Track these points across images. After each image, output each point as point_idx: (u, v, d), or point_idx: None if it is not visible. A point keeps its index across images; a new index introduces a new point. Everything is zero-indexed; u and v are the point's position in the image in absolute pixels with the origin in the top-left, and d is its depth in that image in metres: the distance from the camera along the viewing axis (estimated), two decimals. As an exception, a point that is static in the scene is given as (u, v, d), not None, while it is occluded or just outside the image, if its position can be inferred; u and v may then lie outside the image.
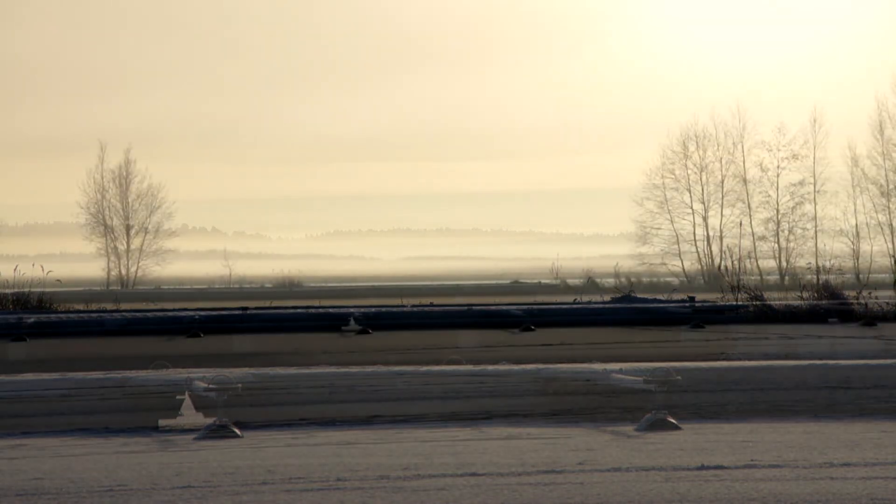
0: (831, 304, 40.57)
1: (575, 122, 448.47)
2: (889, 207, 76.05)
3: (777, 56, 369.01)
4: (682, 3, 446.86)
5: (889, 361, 22.86)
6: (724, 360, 23.69)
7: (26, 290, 45.06)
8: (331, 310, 40.26)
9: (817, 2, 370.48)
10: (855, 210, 76.91)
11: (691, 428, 13.21)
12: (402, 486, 9.55)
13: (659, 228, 79.20)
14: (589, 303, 44.60)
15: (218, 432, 13.20)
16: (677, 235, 79.05)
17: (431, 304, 44.96)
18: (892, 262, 75.57)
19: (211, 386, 13.94)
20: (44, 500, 9.20)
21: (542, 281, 75.77)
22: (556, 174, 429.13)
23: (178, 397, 14.78)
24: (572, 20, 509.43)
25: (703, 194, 79.41)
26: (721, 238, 79.09)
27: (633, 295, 46.71)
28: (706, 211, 79.27)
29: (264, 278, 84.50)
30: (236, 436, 13.10)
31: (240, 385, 14.44)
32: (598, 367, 16.33)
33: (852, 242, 76.71)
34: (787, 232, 78.01)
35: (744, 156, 79.40)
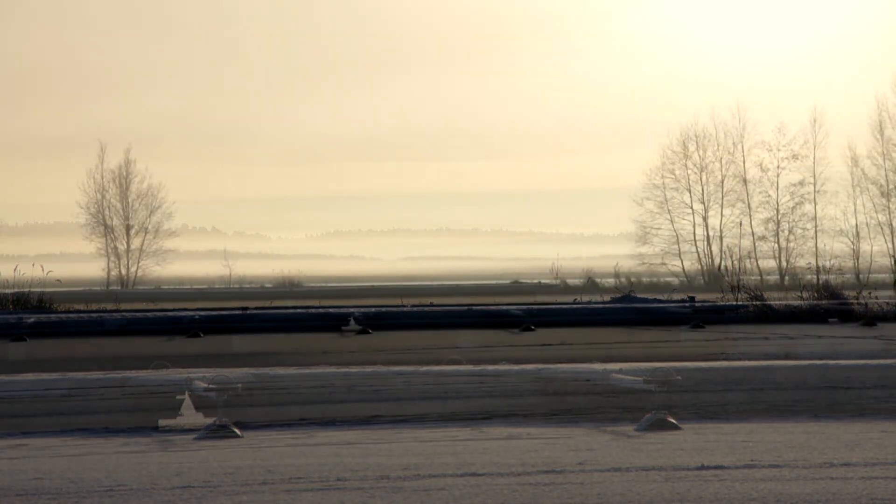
0: (831, 304, 40.57)
1: (575, 122, 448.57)
2: (889, 207, 76.04)
3: (777, 56, 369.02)
4: (683, 3, 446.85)
5: (889, 361, 22.85)
6: (724, 360, 23.70)
7: (26, 290, 45.06)
8: (331, 310, 40.26)
9: (817, 2, 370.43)
10: (855, 210, 76.94)
11: (691, 428, 13.21)
12: (402, 486, 9.55)
13: (659, 228, 79.23)
14: (589, 303, 44.60)
15: (218, 432, 13.20)
16: (677, 235, 79.07)
17: (431, 304, 44.97)
18: (892, 262, 75.56)
19: (211, 386, 13.94)
20: (44, 500, 9.20)
21: (542, 281, 75.76)
22: (556, 174, 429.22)
23: (178, 397, 14.78)
24: (572, 20, 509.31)
25: (703, 194, 79.43)
26: (721, 238, 79.12)
27: (633, 295, 46.70)
28: (706, 211, 79.29)
29: (264, 278, 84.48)
30: (236, 436, 13.10)
31: (240, 385, 14.44)
32: (598, 367, 16.33)
33: (852, 242, 76.71)
34: (787, 232, 78.02)
35: (744, 156, 79.43)
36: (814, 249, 76.98)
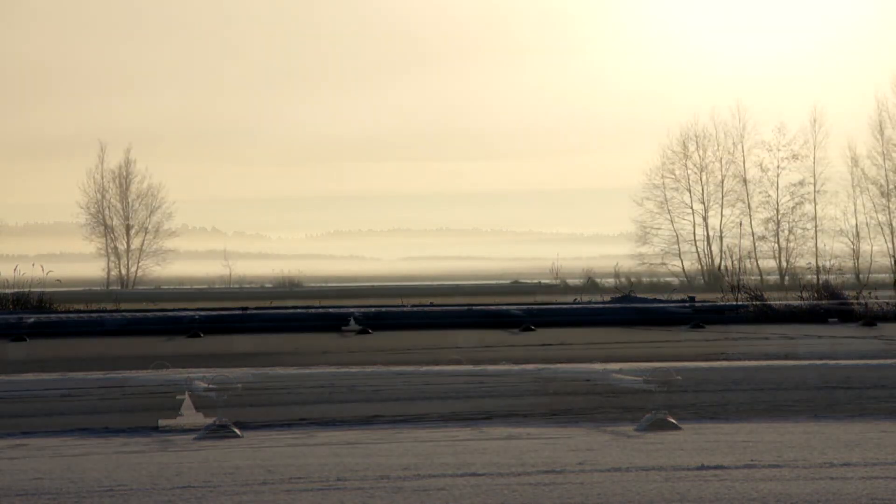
0: (831, 304, 40.57)
1: (575, 122, 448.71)
2: (889, 207, 76.03)
3: (777, 56, 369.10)
4: (683, 3, 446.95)
5: (889, 361, 22.86)
6: (724, 360, 23.70)
7: (26, 290, 45.06)
8: (331, 310, 40.28)
9: (818, 2, 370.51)
10: (855, 210, 76.92)
11: (691, 428, 13.21)
12: (402, 486, 9.55)
13: (659, 228, 79.21)
14: (589, 303, 44.60)
15: (218, 432, 13.20)
16: (677, 235, 79.06)
17: (431, 304, 44.97)
18: (892, 262, 75.56)
19: (211, 386, 13.94)
20: (44, 500, 9.21)
21: (542, 281, 75.75)
22: (556, 174, 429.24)
23: (178, 397, 14.78)
24: (572, 20, 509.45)
25: (703, 194, 79.43)
26: (721, 238, 79.11)
27: (633, 295, 46.70)
28: (706, 211, 79.28)
29: (264, 278, 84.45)
30: (236, 436, 13.10)
31: (240, 385, 14.45)
32: (598, 367, 16.34)
33: (852, 242, 76.69)
34: (787, 232, 78.01)
35: (744, 156, 79.42)
36: (814, 249, 76.99)
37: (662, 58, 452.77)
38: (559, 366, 22.15)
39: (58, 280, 51.30)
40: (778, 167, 78.36)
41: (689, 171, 79.36)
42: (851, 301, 41.12)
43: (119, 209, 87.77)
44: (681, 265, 78.87)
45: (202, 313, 38.44)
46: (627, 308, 40.44)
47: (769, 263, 78.49)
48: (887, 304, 40.52)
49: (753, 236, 78.48)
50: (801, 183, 77.83)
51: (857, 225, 76.67)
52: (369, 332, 35.21)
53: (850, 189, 76.73)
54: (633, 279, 64.61)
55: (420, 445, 12.07)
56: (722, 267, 77.27)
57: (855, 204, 76.66)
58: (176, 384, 14.96)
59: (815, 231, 77.22)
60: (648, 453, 11.21)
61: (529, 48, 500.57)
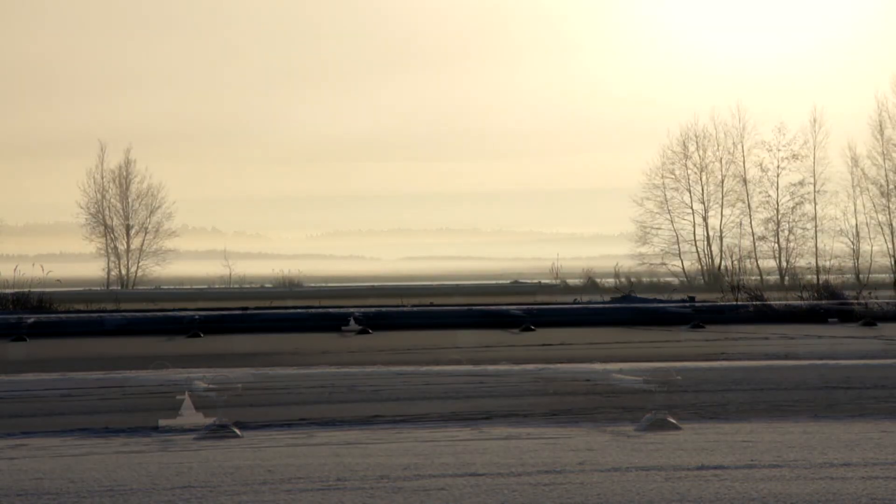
0: (831, 304, 40.57)
1: (575, 122, 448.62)
2: (889, 207, 76.01)
3: (777, 56, 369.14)
4: (683, 3, 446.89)
5: (889, 361, 22.88)
6: (724, 360, 23.70)
7: (26, 290, 45.08)
8: (331, 310, 40.29)
9: (818, 2, 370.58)
10: (855, 210, 76.88)
11: (691, 428, 13.21)
12: (402, 486, 9.55)
13: (659, 228, 79.17)
14: (589, 303, 44.61)
15: (218, 432, 13.20)
16: (677, 235, 79.04)
17: (431, 304, 44.98)
18: (892, 262, 75.54)
19: (211, 386, 13.95)
20: (44, 500, 9.21)
21: (542, 281, 75.72)
22: (556, 174, 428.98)
23: (178, 397, 14.78)
24: (572, 20, 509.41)
25: (703, 194, 79.42)
26: (721, 238, 79.07)
27: (633, 295, 46.72)
28: (706, 211, 79.26)
29: (264, 278, 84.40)
30: (236, 436, 13.10)
31: (240, 385, 14.46)
32: (598, 367, 16.37)
33: (852, 242, 76.67)
34: (787, 232, 77.96)
35: (744, 156, 79.38)
36: (814, 249, 76.96)
37: (662, 58, 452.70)
38: (559, 366, 22.17)
39: (58, 280, 51.33)
40: (778, 167, 78.37)
41: (689, 171, 79.38)
42: (851, 301, 41.12)
43: (119, 209, 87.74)
44: (681, 265, 78.87)
45: (202, 313, 38.46)
46: (627, 308, 40.45)
47: (769, 263, 78.47)
48: (887, 304, 40.55)
49: (753, 236, 78.48)
50: (801, 183, 77.84)
51: (857, 225, 76.68)
52: (369, 332, 35.22)
53: (850, 189, 76.73)
54: (633, 279, 64.57)
55: (420, 445, 12.07)
56: (722, 267, 77.31)
57: (855, 204, 76.67)
58: (176, 384, 14.96)
59: (815, 231, 77.21)
60: (648, 453, 11.21)
61: (529, 48, 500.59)
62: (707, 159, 79.82)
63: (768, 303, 41.39)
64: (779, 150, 78.67)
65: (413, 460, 10.93)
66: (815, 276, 70.10)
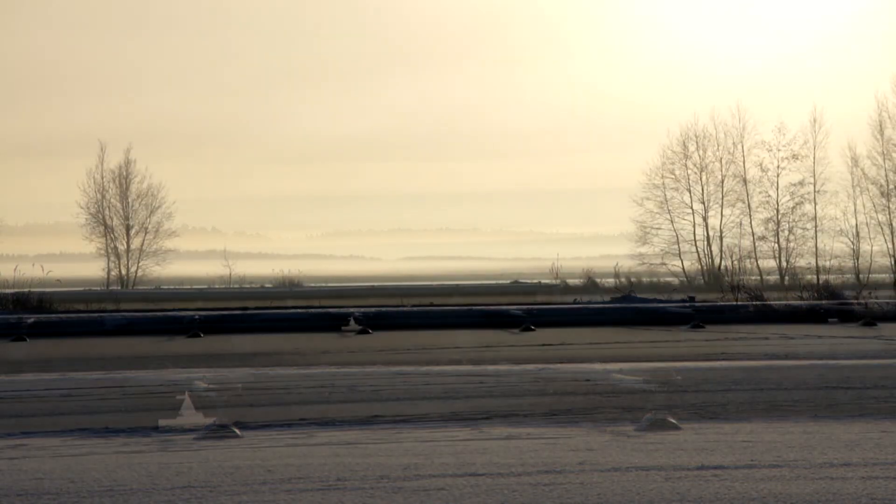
0: (831, 304, 40.57)
1: (575, 122, 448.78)
2: (889, 207, 75.97)
3: (777, 56, 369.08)
4: (683, 3, 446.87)
5: (889, 361, 22.87)
6: (724, 360, 23.71)
7: (26, 290, 45.08)
8: (331, 310, 40.29)
9: (818, 2, 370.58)
10: (855, 210, 76.82)
11: (691, 428, 13.20)
12: (402, 486, 9.55)
13: (659, 228, 79.10)
14: (589, 303, 44.60)
15: (218, 432, 13.20)
16: (677, 235, 78.97)
17: (431, 304, 44.97)
18: (892, 262, 75.51)
19: (211, 386, 13.96)
20: (44, 500, 9.20)
21: (542, 281, 75.67)
22: (556, 174, 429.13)
23: (178, 397, 14.79)
24: (572, 20, 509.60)
25: (703, 194, 79.37)
26: (721, 238, 79.01)
27: (633, 295, 46.70)
28: (706, 211, 79.21)
29: (264, 278, 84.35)
30: (236, 436, 13.10)
31: (240, 385, 14.47)
32: (598, 367, 16.37)
33: (852, 242, 76.63)
34: (787, 232, 77.90)
35: (744, 156, 79.30)
36: (814, 249, 76.91)
37: (663, 58, 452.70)
38: (559, 366, 22.17)
39: (58, 280, 51.33)
40: (778, 167, 78.32)
41: (689, 171, 79.32)
42: (851, 301, 41.11)
43: (119, 209, 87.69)
44: (681, 265, 78.83)
45: (202, 313, 38.45)
46: (627, 308, 40.44)
47: (769, 263, 78.40)
48: (887, 304, 40.53)
49: (753, 236, 78.44)
50: (801, 183, 77.78)
51: (857, 225, 76.63)
52: (369, 332, 35.22)
53: (850, 189, 76.67)
54: (633, 279, 64.51)
55: (420, 445, 12.07)
56: (722, 267, 77.25)
57: (855, 204, 76.62)
58: (176, 384, 14.98)
59: (815, 231, 77.14)
60: (648, 453, 11.20)
61: (529, 48, 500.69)
62: (707, 159, 79.79)
63: (768, 303, 41.38)
64: (779, 150, 78.64)
65: (413, 460, 10.92)
66: (815, 276, 70.08)
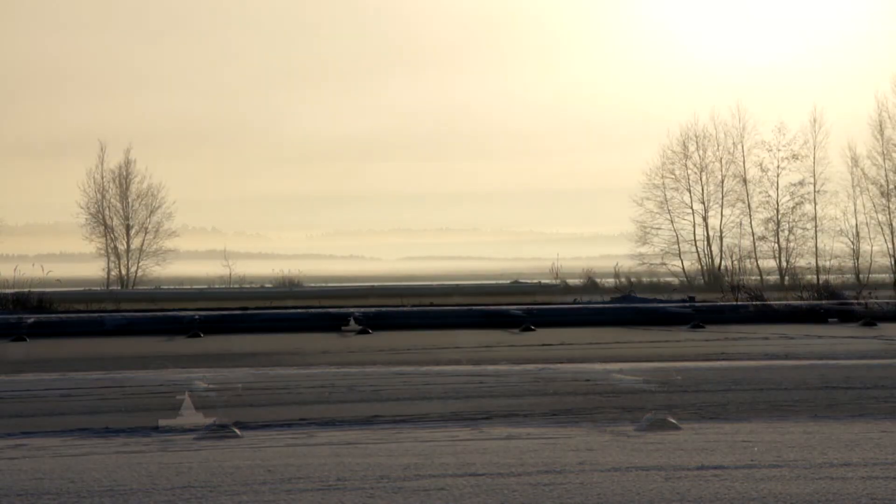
0: (831, 304, 40.57)
1: (575, 122, 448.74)
2: (889, 207, 75.97)
3: (777, 56, 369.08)
4: (683, 3, 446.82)
5: (889, 361, 22.88)
6: (724, 360, 23.71)
7: (26, 290, 45.08)
8: (331, 310, 40.29)
9: (818, 2, 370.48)
10: (855, 210, 76.83)
11: (691, 428, 13.20)
12: (402, 486, 9.55)
13: (659, 228, 79.10)
14: (589, 303, 44.60)
15: (218, 432, 13.20)
16: (677, 235, 78.96)
17: (431, 304, 44.97)
18: (892, 262, 75.51)
19: (211, 386, 13.96)
20: (44, 500, 9.20)
21: (542, 281, 75.68)
22: (556, 174, 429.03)
23: (178, 397, 14.79)
24: (572, 20, 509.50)
25: (703, 194, 79.37)
26: (721, 238, 79.02)
27: (633, 295, 46.71)
28: (706, 211, 79.21)
29: (264, 278, 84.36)
30: (236, 436, 13.10)
31: (240, 385, 14.47)
32: (598, 367, 16.37)
33: (852, 242, 76.63)
34: (787, 232, 77.90)
35: (744, 156, 79.31)
36: (814, 249, 76.92)
37: (663, 58, 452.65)
38: (559, 366, 22.17)
39: (58, 280, 51.33)
40: (778, 167, 78.32)
41: (689, 171, 79.32)
42: (851, 301, 41.11)
43: (119, 209, 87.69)
44: (681, 265, 78.83)
45: (202, 313, 38.45)
46: (627, 308, 40.44)
47: (769, 263, 78.40)
48: (887, 304, 40.53)
49: (753, 236, 78.44)
50: (801, 183, 77.78)
51: (857, 225, 76.63)
52: (369, 332, 35.22)
53: (850, 189, 76.69)
54: (633, 279, 64.56)
55: (420, 445, 12.07)
56: (722, 267, 77.23)
57: (855, 204, 76.63)
58: (176, 384, 14.98)
59: (815, 231, 77.15)
60: (648, 453, 11.20)
61: (530, 48, 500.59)
62: (707, 159, 79.78)
63: (768, 303, 41.39)
64: (779, 150, 78.64)
65: (413, 460, 10.92)
66: (815, 276, 70.09)
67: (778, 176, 78.72)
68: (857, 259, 76.52)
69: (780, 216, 78.23)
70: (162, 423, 14.16)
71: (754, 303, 41.12)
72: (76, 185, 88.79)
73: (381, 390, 18.09)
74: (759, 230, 78.53)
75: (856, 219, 76.84)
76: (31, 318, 37.05)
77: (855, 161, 76.76)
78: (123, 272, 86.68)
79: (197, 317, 36.95)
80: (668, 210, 79.13)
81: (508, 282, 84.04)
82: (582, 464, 10.56)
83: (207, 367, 22.65)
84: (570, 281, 69.14)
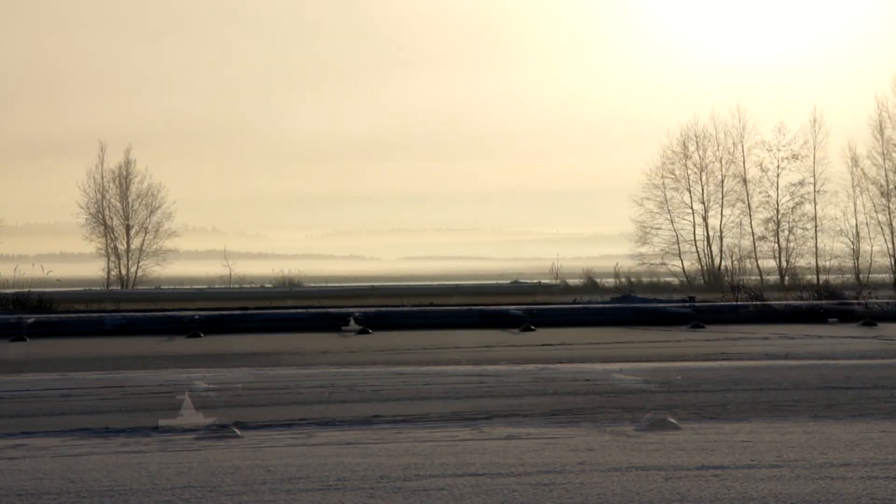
0: (831, 304, 40.56)
1: (575, 122, 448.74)
2: (889, 207, 75.97)
3: (777, 56, 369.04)
4: (683, 2, 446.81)
5: (889, 361, 22.88)
6: (724, 360, 23.70)
7: (26, 290, 45.08)
8: (331, 310, 40.29)
9: (818, 2, 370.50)
10: (855, 210, 76.83)
11: (691, 428, 13.20)
12: (402, 486, 9.55)
13: (659, 228, 79.09)
14: (589, 303, 44.60)
15: (218, 432, 13.20)
16: (677, 235, 78.96)
17: (431, 304, 44.97)
18: (892, 262, 75.51)
19: (211, 386, 13.95)
20: (44, 500, 9.20)
21: (542, 281, 75.69)
22: (556, 174, 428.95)
23: (178, 397, 14.79)
24: (572, 20, 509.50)
25: (703, 194, 79.37)
26: (721, 238, 79.02)
27: (633, 295, 46.71)
28: (706, 211, 79.21)
29: (264, 278, 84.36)
30: (236, 436, 13.10)
31: (240, 385, 14.47)
32: (598, 367, 16.36)
33: (852, 242, 76.63)
34: (787, 232, 77.91)
35: (744, 156, 79.30)
36: (814, 249, 76.91)
37: (663, 58, 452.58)
38: (559, 366, 22.18)
39: (58, 280, 51.34)
40: (778, 167, 78.32)
41: (689, 171, 79.31)
42: (851, 301, 41.11)
43: (119, 209, 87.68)
44: (681, 265, 78.82)
45: (202, 313, 38.45)
46: (627, 308, 40.44)
47: (769, 263, 78.39)
48: (887, 304, 40.53)
49: (753, 236, 78.43)
50: (801, 183, 77.77)
51: (857, 225, 76.63)
52: (369, 332, 35.21)
53: (850, 189, 76.69)
54: (633, 279, 64.57)
55: (420, 445, 12.07)
56: (722, 267, 77.24)
57: (855, 204, 76.62)
58: (176, 384, 14.98)
59: (815, 231, 77.14)
60: (648, 453, 11.20)
61: (529, 48, 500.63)
62: (707, 159, 79.78)
63: (768, 303, 41.39)
64: (779, 150, 78.64)
65: (413, 460, 10.92)
66: (815, 276, 70.11)
67: (778, 176, 78.72)
68: (857, 259, 76.52)
69: (780, 216, 78.23)
70: (162, 423, 14.16)
71: (754, 303, 41.12)
72: (76, 185, 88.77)
73: (381, 390, 18.09)
74: (759, 230, 78.54)
75: (856, 219, 76.85)
76: (31, 318, 37.05)
77: (855, 161, 76.78)
78: (123, 272, 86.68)
79: (197, 317, 36.95)
80: (668, 210, 79.13)
81: (508, 282, 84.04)
82: (582, 464, 10.56)
83: (207, 367, 22.65)
84: (570, 281, 69.15)
